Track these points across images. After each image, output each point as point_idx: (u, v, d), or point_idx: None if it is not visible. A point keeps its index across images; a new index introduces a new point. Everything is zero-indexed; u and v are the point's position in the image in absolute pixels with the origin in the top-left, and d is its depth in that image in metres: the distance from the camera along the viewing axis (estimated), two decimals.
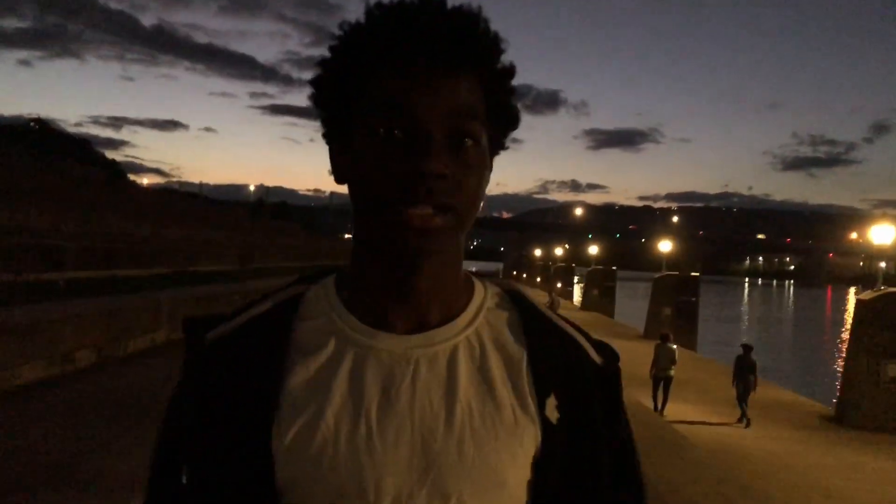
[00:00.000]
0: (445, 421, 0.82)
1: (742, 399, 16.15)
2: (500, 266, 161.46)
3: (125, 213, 18.21)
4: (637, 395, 18.02)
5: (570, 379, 0.89)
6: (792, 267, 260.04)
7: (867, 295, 16.93)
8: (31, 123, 69.71)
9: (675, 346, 17.57)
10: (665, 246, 36.56)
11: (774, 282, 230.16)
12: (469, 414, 0.83)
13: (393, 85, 0.81)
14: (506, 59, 0.87)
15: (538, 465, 0.85)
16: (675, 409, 16.82)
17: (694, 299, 33.67)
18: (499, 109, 0.88)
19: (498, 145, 0.92)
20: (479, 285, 0.95)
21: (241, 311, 0.91)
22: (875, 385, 16.30)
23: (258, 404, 0.82)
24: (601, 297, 49.70)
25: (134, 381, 10.61)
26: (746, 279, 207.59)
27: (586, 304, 50.53)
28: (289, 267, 25.17)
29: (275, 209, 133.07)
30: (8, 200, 12.30)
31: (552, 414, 0.86)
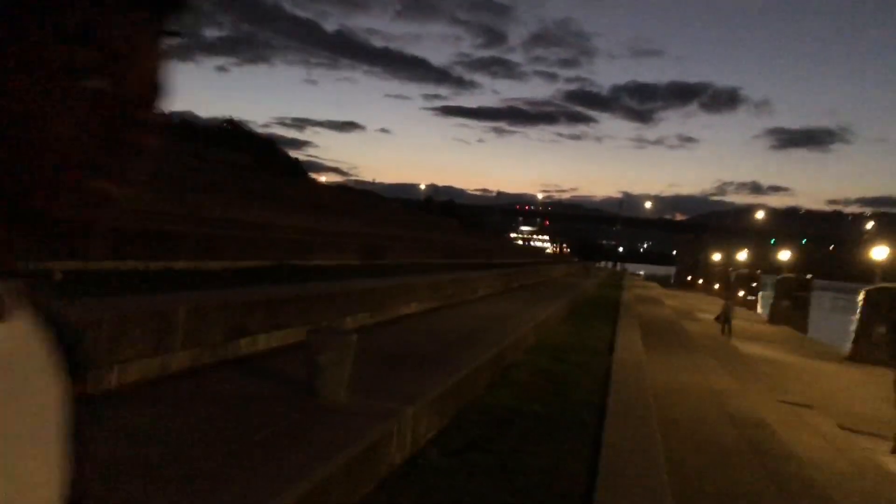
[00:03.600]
0: None
1: None
2: (670, 270, 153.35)
3: (262, 203, 16.70)
4: (865, 444, 14.12)
5: None
6: None
7: None
8: (225, 124, 74.30)
9: None
10: (880, 253, 30.97)
11: None
12: None
13: None
14: None
15: None
16: None
17: None
18: None
19: None
20: None
21: None
22: None
23: None
24: (793, 309, 43.97)
25: None
26: None
27: (775, 316, 44.91)
28: (425, 263, 22.71)
29: (442, 207, 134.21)
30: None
31: None
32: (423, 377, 7.66)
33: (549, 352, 13.38)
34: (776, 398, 17.55)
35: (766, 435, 11.62)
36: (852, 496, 9.35)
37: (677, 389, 15.42)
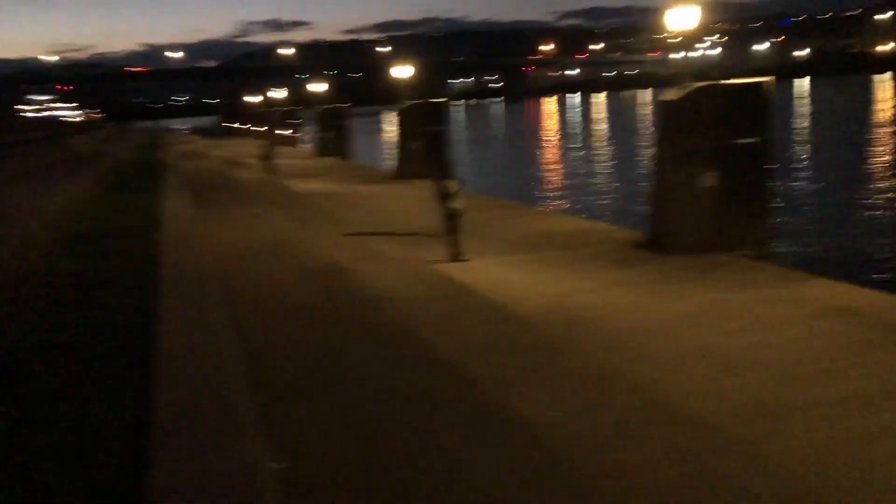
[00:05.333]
0: None
1: None
2: (213, 120, 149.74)
3: None
4: (427, 256, 14.39)
5: None
6: (499, 84, 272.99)
7: (675, 93, 14.24)
8: None
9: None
10: (403, 72, 32.53)
11: (488, 100, 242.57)
12: None
13: None
14: None
15: None
16: (480, 264, 13.38)
17: (445, 128, 30.49)
18: None
19: None
20: None
21: None
22: (691, 198, 14.00)
23: None
24: (336, 139, 45.27)
25: None
26: (462, 101, 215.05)
27: (321, 149, 45.87)
28: None
29: None
30: None
31: None
32: None
33: (77, 249, 10.67)
34: (340, 232, 17.23)
35: (341, 277, 10.88)
36: (430, 315, 9.06)
37: (242, 249, 13.98)
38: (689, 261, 13.25)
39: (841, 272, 14.59)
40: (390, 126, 32.14)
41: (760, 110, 14.09)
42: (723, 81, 13.88)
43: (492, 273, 13.23)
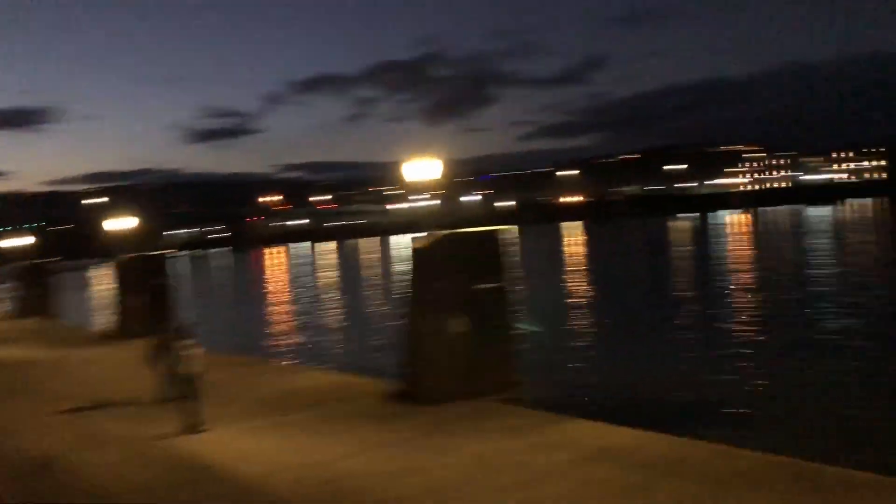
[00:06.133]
0: None
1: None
2: None
3: None
4: (159, 430, 12.48)
5: None
6: (225, 234, 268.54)
7: (423, 241, 14.31)
8: None
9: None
10: (118, 224, 30.11)
11: (214, 250, 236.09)
12: None
13: None
14: None
15: None
16: (221, 436, 11.79)
17: (168, 281, 28.36)
18: None
19: None
20: None
21: None
22: (443, 345, 13.86)
23: None
24: (42, 297, 40.41)
25: None
26: (186, 252, 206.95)
27: (24, 309, 40.46)
28: None
29: None
30: None
31: None
32: None
33: None
34: (49, 410, 14.60)
35: (53, 472, 8.83)
36: None
37: None
38: (445, 410, 12.87)
39: (584, 410, 15.11)
40: (103, 280, 29.22)
41: (499, 256, 14.63)
42: (467, 229, 14.26)
43: (237, 444, 11.75)
